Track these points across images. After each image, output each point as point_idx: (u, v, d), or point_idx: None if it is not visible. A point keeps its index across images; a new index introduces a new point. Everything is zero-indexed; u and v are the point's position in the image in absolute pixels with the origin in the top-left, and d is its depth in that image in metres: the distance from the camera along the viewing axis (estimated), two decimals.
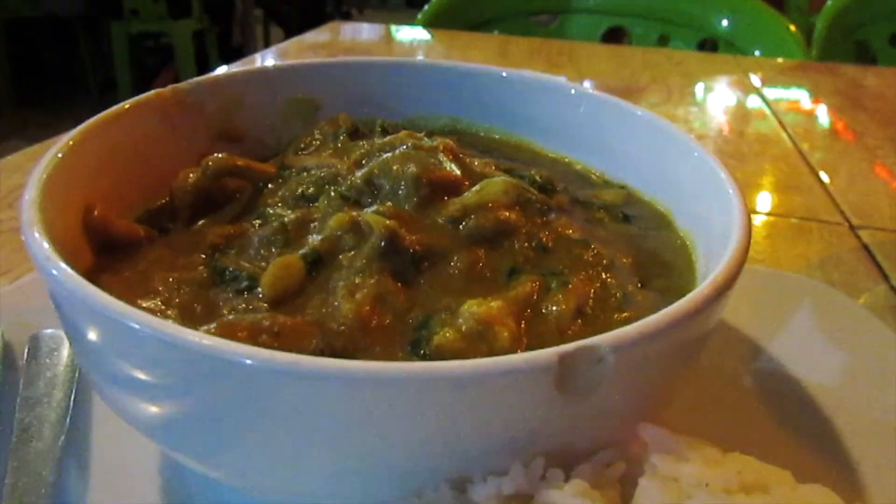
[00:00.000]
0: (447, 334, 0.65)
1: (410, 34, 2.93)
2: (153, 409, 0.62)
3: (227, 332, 0.62)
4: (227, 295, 0.72)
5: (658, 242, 0.88)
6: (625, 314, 0.73)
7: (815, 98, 2.35)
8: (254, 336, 0.62)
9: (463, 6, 3.10)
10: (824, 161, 1.81)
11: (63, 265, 0.61)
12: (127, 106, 0.90)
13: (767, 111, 2.16)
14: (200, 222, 0.87)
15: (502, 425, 0.57)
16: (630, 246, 0.85)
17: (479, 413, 0.55)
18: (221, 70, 1.10)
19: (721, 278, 0.63)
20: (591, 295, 0.74)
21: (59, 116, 5.96)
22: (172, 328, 0.54)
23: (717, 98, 2.38)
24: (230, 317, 0.66)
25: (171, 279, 0.75)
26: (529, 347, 0.67)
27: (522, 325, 0.69)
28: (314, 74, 1.09)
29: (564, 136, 1.06)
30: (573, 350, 0.54)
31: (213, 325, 0.63)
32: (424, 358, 0.66)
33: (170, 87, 0.96)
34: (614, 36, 3.26)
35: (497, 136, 1.12)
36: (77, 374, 0.88)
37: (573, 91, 1.05)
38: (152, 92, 0.95)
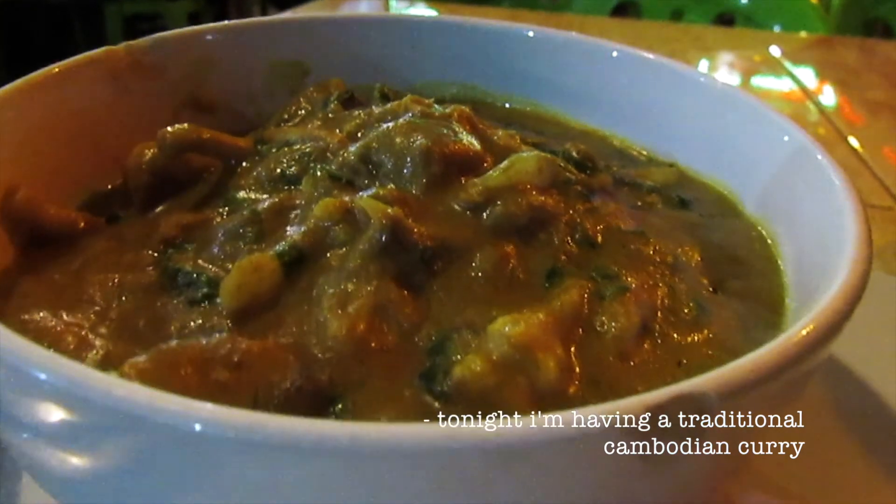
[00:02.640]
0: (473, 365, 0.48)
1: (412, 10, 2.76)
2: (66, 477, 0.45)
3: (166, 369, 0.43)
4: (180, 306, 0.56)
5: (725, 233, 0.71)
6: (704, 332, 0.55)
7: (845, 74, 2.20)
8: (204, 371, 0.44)
9: None
10: (864, 140, 1.66)
11: None
12: (67, 65, 0.73)
13: (796, 88, 2.02)
14: (159, 208, 0.71)
15: None
16: (693, 238, 0.68)
17: (531, 492, 0.38)
18: None
19: (848, 292, 0.47)
20: (658, 305, 0.57)
21: None
22: (76, 371, 0.36)
23: (740, 74, 2.23)
24: (173, 343, 0.48)
25: (110, 283, 0.59)
26: (584, 380, 0.50)
27: (572, 350, 0.52)
28: (302, 32, 0.92)
29: (601, 106, 0.90)
30: (667, 400, 0.37)
31: (143, 358, 0.45)
32: (441, 396, 0.48)
33: (123, 43, 0.79)
34: (623, 13, 3.09)
35: (518, 107, 0.95)
36: None
37: (615, 53, 0.88)
38: (101, 49, 0.78)
